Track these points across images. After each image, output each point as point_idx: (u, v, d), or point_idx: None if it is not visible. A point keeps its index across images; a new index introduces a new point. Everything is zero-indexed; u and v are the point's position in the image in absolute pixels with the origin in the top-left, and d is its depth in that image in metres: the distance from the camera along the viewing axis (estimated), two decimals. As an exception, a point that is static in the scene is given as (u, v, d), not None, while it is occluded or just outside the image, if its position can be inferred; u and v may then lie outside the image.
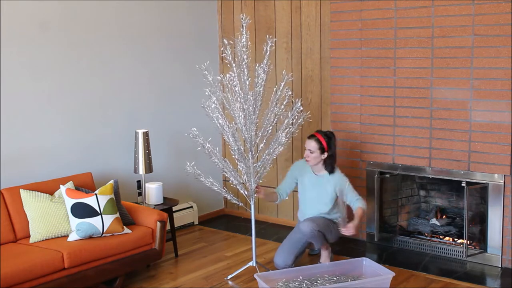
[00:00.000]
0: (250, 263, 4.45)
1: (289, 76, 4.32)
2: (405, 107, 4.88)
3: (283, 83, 4.26)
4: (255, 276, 3.99)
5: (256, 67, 4.20)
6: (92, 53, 4.92)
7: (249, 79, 4.20)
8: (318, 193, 4.56)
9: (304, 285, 4.01)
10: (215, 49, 6.02)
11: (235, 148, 4.29)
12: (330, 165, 4.52)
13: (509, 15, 4.30)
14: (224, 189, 4.41)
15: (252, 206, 4.38)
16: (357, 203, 4.44)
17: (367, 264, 4.27)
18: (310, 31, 5.47)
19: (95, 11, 4.91)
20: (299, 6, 5.50)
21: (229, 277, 4.40)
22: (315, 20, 5.42)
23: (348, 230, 4.30)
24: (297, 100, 4.32)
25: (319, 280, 4.08)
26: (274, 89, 4.31)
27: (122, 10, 5.13)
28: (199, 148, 4.30)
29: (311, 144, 4.47)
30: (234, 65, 4.19)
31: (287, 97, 4.29)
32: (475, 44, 4.47)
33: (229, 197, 4.38)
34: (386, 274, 4.03)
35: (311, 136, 4.50)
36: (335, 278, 4.14)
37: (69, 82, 4.77)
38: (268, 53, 4.20)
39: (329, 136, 4.51)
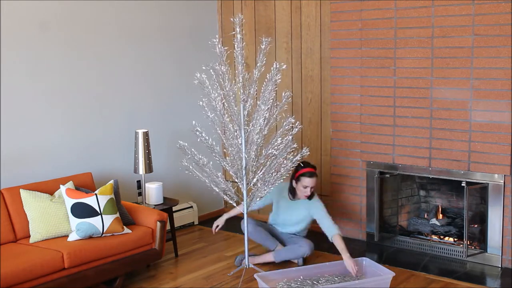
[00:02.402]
0: (242, 265, 4.46)
1: (287, 94, 4.23)
2: (405, 107, 4.88)
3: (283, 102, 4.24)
4: (255, 276, 3.99)
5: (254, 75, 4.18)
6: (92, 53, 4.93)
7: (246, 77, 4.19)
8: (291, 216, 4.71)
9: (306, 285, 4.01)
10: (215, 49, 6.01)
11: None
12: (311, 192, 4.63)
13: (509, 15, 4.30)
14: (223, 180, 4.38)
15: (245, 207, 4.36)
16: (333, 230, 4.46)
17: (367, 264, 4.27)
18: (310, 31, 5.47)
19: (95, 11, 4.91)
20: (299, 6, 5.51)
21: (232, 273, 4.43)
22: (315, 20, 5.42)
23: (354, 267, 4.19)
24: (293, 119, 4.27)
25: (321, 280, 4.08)
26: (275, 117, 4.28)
27: (122, 10, 5.14)
28: (198, 139, 4.26)
29: (314, 180, 4.56)
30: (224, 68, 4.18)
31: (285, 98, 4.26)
32: (475, 44, 4.47)
33: (225, 197, 4.37)
34: (386, 274, 4.04)
35: (312, 174, 4.54)
36: (336, 278, 4.14)
37: (69, 82, 4.77)
38: (261, 55, 4.18)
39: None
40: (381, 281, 4.02)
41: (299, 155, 4.19)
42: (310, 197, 4.62)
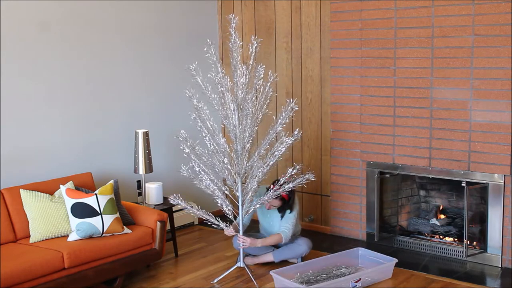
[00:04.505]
0: (238, 264, 4.46)
1: (274, 76, 4.24)
2: (405, 107, 4.88)
3: (269, 83, 4.23)
4: (271, 272, 4.10)
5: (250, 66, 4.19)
6: (92, 53, 4.93)
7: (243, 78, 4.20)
8: (269, 224, 4.70)
9: (319, 278, 4.20)
10: (215, 49, 6.00)
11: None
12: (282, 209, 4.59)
13: (509, 15, 4.30)
14: (223, 188, 4.40)
15: (240, 208, 4.35)
16: (282, 229, 4.51)
17: (363, 253, 4.56)
18: (310, 31, 5.47)
19: (95, 11, 4.91)
20: (299, 6, 5.51)
21: (215, 280, 4.38)
22: (315, 20, 5.42)
23: (245, 240, 4.35)
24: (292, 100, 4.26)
25: (334, 271, 4.30)
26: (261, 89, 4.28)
27: (122, 11, 5.14)
28: (187, 150, 4.28)
29: (276, 202, 4.47)
30: (219, 65, 4.22)
31: (269, 96, 4.26)
32: (475, 44, 4.47)
33: (219, 201, 4.37)
34: (388, 261, 4.32)
35: (277, 196, 4.40)
36: (342, 269, 4.33)
37: (69, 82, 4.77)
38: (254, 54, 4.18)
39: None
40: (384, 268, 4.26)
41: (293, 137, 4.16)
42: (283, 212, 4.57)
